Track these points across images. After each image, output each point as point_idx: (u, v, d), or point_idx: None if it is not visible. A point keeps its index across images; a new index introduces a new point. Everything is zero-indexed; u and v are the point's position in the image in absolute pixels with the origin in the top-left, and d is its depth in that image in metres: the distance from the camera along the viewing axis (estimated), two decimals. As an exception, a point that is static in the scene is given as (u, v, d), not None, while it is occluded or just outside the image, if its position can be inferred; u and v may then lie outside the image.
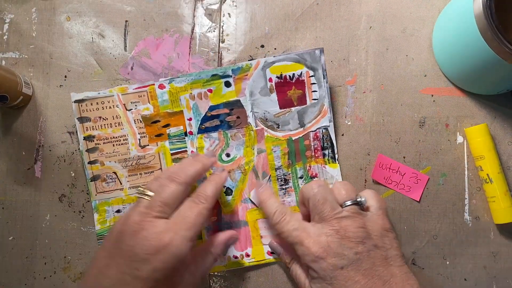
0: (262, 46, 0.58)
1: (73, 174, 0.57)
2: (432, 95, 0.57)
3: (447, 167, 0.56)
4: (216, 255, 0.50)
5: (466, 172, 0.56)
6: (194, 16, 0.59)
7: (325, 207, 0.46)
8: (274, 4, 0.58)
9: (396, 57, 0.57)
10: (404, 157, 0.56)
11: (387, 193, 0.56)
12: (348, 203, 0.47)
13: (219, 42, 0.58)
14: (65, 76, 0.58)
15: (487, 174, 0.53)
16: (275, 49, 0.58)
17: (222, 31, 0.59)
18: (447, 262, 0.55)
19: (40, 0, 0.59)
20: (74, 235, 0.56)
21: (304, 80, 0.55)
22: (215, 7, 0.59)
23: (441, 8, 0.57)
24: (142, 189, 0.45)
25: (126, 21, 0.59)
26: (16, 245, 0.57)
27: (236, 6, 0.59)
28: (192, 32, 0.59)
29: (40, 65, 0.58)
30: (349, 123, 0.57)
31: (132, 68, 0.58)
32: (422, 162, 0.56)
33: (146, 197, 0.45)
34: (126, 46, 0.58)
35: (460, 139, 0.56)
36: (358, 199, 0.48)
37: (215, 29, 0.59)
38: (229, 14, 0.59)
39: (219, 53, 0.58)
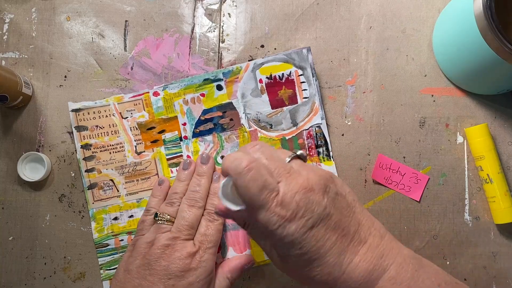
0: (262, 46, 0.58)
1: (73, 174, 0.57)
2: (432, 95, 0.56)
3: (447, 167, 0.56)
4: (233, 280, 0.51)
5: (466, 172, 0.56)
6: (194, 16, 0.59)
7: (274, 168, 0.39)
8: (274, 4, 0.58)
9: (396, 57, 0.57)
10: (404, 157, 0.56)
11: (387, 193, 0.56)
12: (288, 159, 0.41)
13: (219, 42, 0.58)
14: (65, 76, 0.58)
15: (487, 174, 0.53)
16: (275, 49, 0.58)
17: (222, 31, 0.59)
18: (447, 262, 0.55)
19: (40, 0, 0.59)
20: (74, 235, 0.56)
21: (293, 79, 0.55)
22: (215, 7, 0.59)
23: (441, 8, 0.57)
24: (162, 215, 0.50)
25: (126, 21, 0.59)
26: (16, 245, 0.57)
27: (236, 6, 0.59)
28: (192, 32, 0.59)
29: (40, 65, 0.58)
30: (349, 123, 0.57)
31: (132, 68, 0.58)
32: (422, 162, 0.56)
33: (168, 223, 0.49)
34: (126, 46, 0.58)
35: (460, 139, 0.56)
36: (298, 153, 0.42)
37: (215, 29, 0.59)
38: (229, 14, 0.59)
39: (219, 53, 0.58)
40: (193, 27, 0.59)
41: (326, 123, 0.56)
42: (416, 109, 0.56)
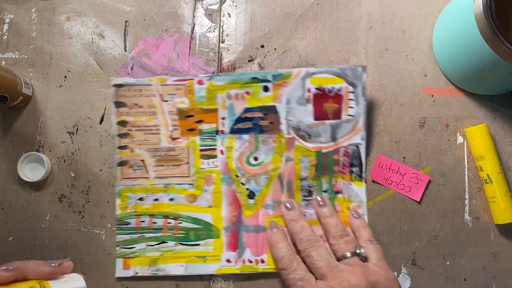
0: (262, 46, 0.58)
1: (73, 175, 0.57)
2: (432, 95, 0.56)
3: (447, 167, 0.56)
4: None
5: (466, 172, 0.56)
6: (194, 16, 0.59)
7: (320, 264, 0.47)
8: (274, 4, 0.58)
9: (396, 57, 0.57)
10: (404, 157, 0.56)
11: (387, 193, 0.55)
12: (348, 255, 0.48)
13: (219, 42, 0.58)
14: (65, 76, 0.58)
15: (487, 174, 0.53)
16: (275, 49, 0.58)
17: (222, 31, 0.59)
18: (447, 263, 0.55)
19: (40, 0, 0.59)
20: (74, 235, 0.56)
21: (342, 95, 0.54)
22: (215, 7, 0.59)
23: (441, 8, 0.57)
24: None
25: (126, 21, 0.59)
26: (16, 245, 0.57)
27: (236, 6, 0.59)
28: (192, 32, 0.59)
29: (40, 65, 0.58)
30: (349, 123, 0.57)
31: (132, 69, 0.58)
32: (422, 162, 0.56)
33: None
34: (126, 46, 0.58)
35: (460, 139, 0.56)
36: (357, 251, 0.48)
37: (215, 29, 0.59)
38: (229, 14, 0.59)
39: (219, 53, 0.58)
40: (193, 27, 0.59)
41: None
42: (416, 109, 0.56)
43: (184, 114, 0.56)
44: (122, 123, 0.56)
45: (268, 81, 0.55)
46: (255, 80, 0.55)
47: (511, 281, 0.54)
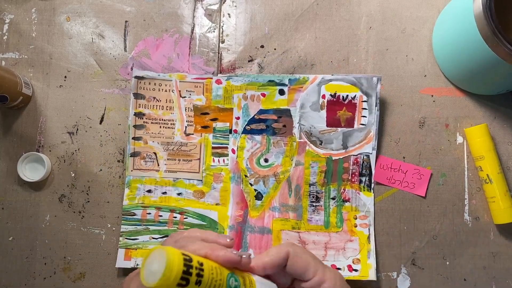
0: (262, 46, 0.58)
1: (73, 175, 0.57)
2: (432, 95, 0.57)
3: (447, 167, 0.56)
4: None
5: (466, 172, 0.56)
6: (194, 17, 0.59)
7: None
8: (274, 4, 0.58)
9: (396, 57, 0.57)
10: (404, 157, 0.56)
11: (387, 193, 0.56)
12: None
13: (219, 43, 0.58)
14: (65, 77, 0.58)
15: (487, 175, 0.53)
16: (275, 49, 0.58)
17: (222, 31, 0.59)
18: (447, 263, 0.55)
19: (40, 0, 0.59)
20: (74, 235, 0.56)
21: (356, 103, 0.55)
22: (215, 7, 0.59)
23: (441, 8, 0.57)
24: None
25: (126, 21, 0.59)
26: (16, 245, 0.57)
27: (236, 6, 0.59)
28: (192, 32, 0.59)
29: (40, 65, 0.58)
30: (349, 123, 0.57)
31: (132, 69, 0.58)
32: (422, 162, 0.56)
33: None
34: (126, 47, 0.58)
35: (460, 139, 0.56)
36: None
37: (215, 29, 0.59)
38: (229, 14, 0.59)
39: (219, 53, 0.58)
40: (193, 27, 0.59)
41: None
42: (416, 109, 0.56)
43: (199, 111, 0.57)
44: (139, 115, 0.57)
45: (284, 84, 0.56)
46: (271, 83, 0.56)
47: (511, 281, 0.54)
